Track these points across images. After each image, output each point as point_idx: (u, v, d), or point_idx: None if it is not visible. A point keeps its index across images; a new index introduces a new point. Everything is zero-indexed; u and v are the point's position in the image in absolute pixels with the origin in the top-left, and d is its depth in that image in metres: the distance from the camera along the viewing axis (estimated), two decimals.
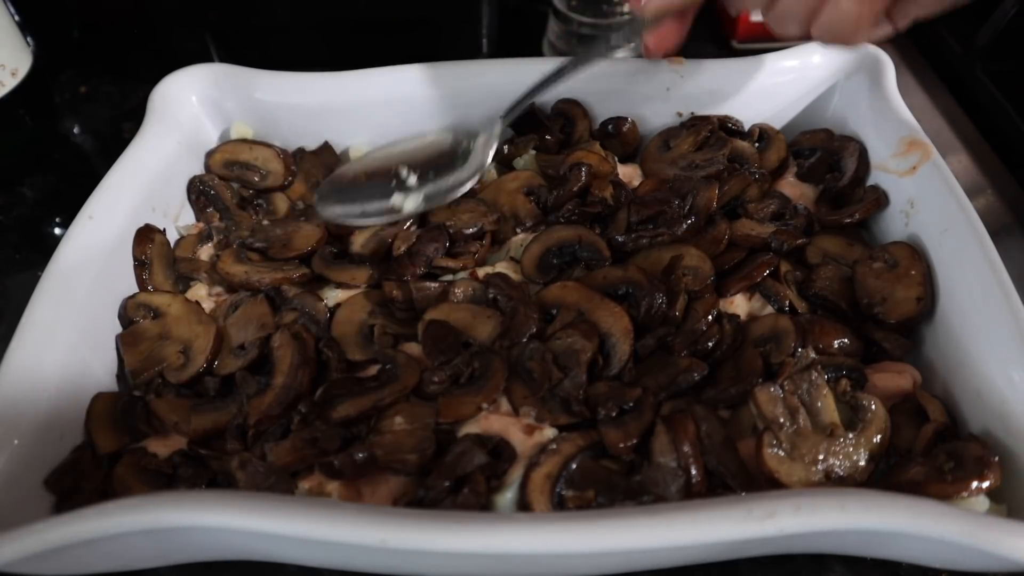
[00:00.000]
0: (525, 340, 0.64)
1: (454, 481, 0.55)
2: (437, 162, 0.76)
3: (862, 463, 0.55)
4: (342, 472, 0.56)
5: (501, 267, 0.72)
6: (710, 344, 0.64)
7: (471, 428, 0.60)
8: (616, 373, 0.62)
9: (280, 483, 0.56)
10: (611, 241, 0.71)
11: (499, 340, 0.64)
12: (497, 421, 0.60)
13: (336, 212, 0.72)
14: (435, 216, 0.75)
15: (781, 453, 0.55)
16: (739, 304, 0.68)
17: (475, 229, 0.73)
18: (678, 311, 0.65)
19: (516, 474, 0.57)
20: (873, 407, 0.57)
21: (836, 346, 0.63)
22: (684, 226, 0.71)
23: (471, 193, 0.79)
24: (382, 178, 0.75)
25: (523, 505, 0.55)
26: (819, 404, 0.57)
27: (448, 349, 0.63)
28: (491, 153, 0.74)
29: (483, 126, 0.75)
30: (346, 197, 0.74)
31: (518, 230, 0.75)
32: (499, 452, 0.58)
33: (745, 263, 0.70)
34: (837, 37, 0.61)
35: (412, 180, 0.74)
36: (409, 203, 0.72)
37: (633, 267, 0.68)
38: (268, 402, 0.61)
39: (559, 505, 0.55)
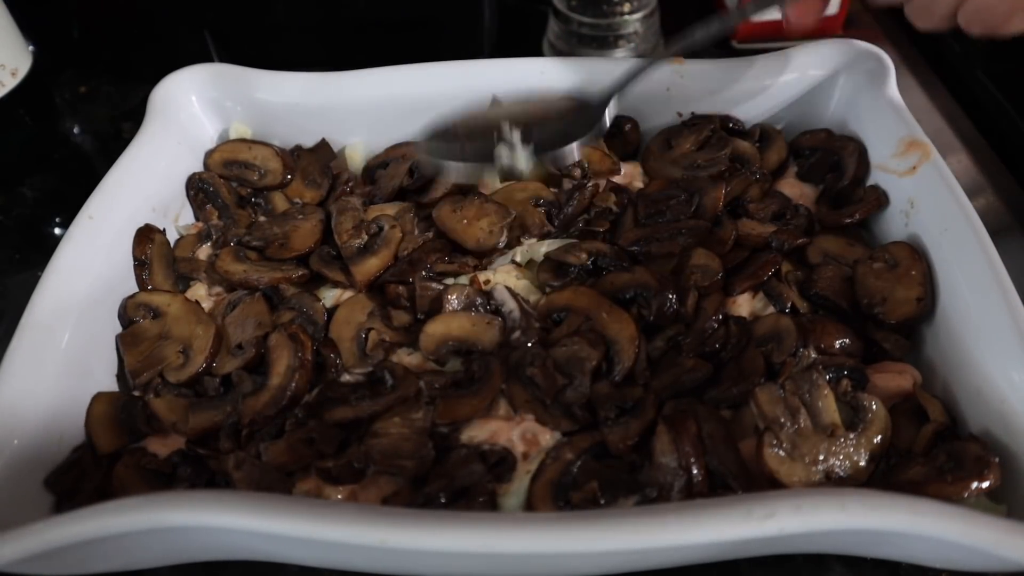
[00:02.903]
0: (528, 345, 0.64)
1: (453, 493, 0.55)
2: (543, 123, 0.74)
3: (862, 463, 0.55)
4: (340, 479, 0.56)
5: (503, 272, 0.72)
6: (717, 345, 0.64)
7: (472, 431, 0.60)
8: (619, 380, 0.62)
9: (276, 483, 0.56)
10: (623, 250, 0.71)
11: (504, 347, 0.64)
12: (498, 424, 0.60)
13: (437, 149, 0.73)
14: (447, 221, 0.74)
15: (782, 453, 0.55)
16: (743, 304, 0.68)
17: (502, 243, 0.72)
18: (689, 308, 0.65)
19: (518, 482, 0.57)
20: (874, 407, 0.57)
21: (837, 346, 0.63)
22: (691, 212, 0.72)
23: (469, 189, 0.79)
24: (481, 132, 0.74)
25: (528, 509, 0.56)
26: (820, 404, 0.57)
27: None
28: (608, 121, 0.75)
29: (596, 97, 0.75)
30: (446, 138, 0.74)
31: (523, 239, 0.75)
32: (499, 462, 0.58)
33: (749, 262, 0.70)
34: (987, 25, 0.56)
35: (515, 137, 0.72)
36: (519, 159, 0.72)
37: (640, 269, 0.68)
38: (263, 402, 0.61)
39: (563, 506, 0.55)
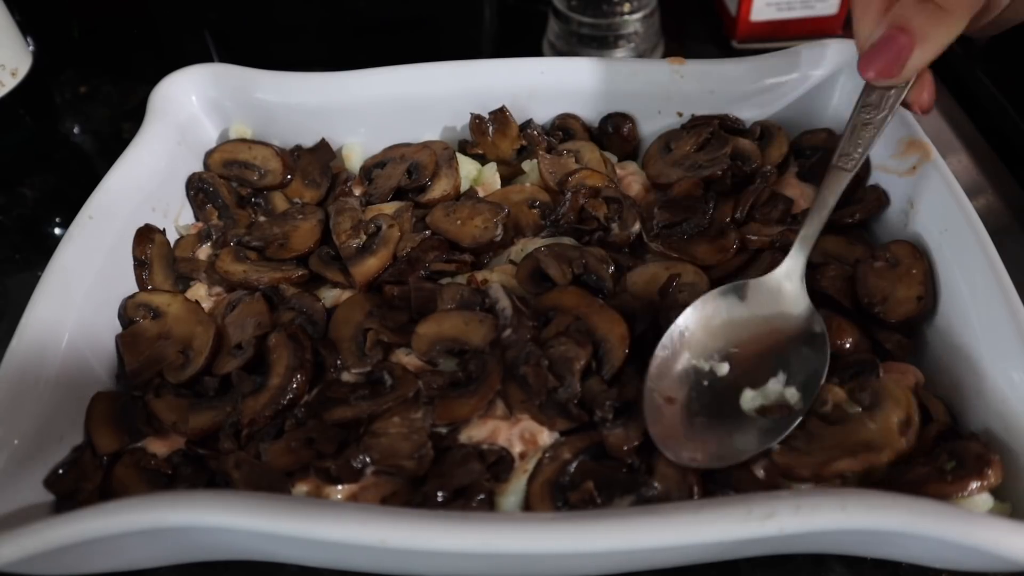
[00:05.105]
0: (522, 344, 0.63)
1: (451, 492, 0.55)
2: (739, 342, 0.62)
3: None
4: (339, 479, 0.56)
5: (501, 271, 0.72)
6: None
7: (471, 430, 0.60)
8: (608, 379, 0.61)
9: (276, 483, 0.56)
10: (611, 258, 0.70)
11: (495, 345, 0.63)
12: (496, 424, 0.60)
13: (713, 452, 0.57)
14: (441, 224, 0.73)
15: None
16: None
17: (498, 236, 0.71)
18: None
19: (516, 482, 0.57)
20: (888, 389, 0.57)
21: (847, 345, 0.63)
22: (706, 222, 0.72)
23: (471, 193, 0.79)
24: (688, 382, 0.61)
25: (526, 508, 0.56)
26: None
27: None
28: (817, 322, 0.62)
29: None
30: (662, 408, 0.59)
31: (517, 240, 0.75)
32: (497, 462, 0.58)
33: (752, 264, 0.70)
34: None
35: (724, 370, 0.61)
36: (783, 397, 0.59)
37: (627, 295, 0.67)
38: (263, 402, 0.61)
39: (561, 506, 0.55)
